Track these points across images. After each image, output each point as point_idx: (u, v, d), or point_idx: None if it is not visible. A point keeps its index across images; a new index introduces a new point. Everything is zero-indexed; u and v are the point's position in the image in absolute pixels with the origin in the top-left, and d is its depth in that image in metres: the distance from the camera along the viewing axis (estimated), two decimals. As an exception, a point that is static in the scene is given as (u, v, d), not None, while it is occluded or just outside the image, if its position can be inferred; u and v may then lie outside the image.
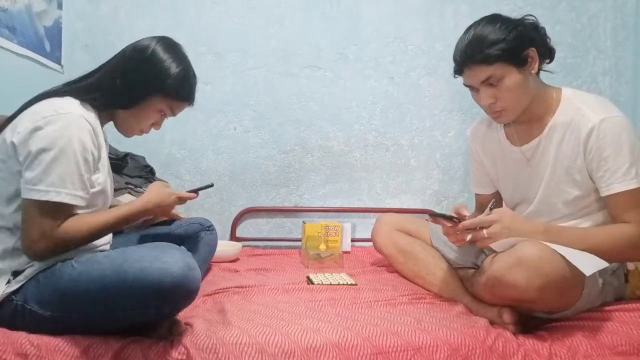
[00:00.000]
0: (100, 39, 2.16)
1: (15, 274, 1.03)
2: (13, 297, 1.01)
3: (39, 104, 1.07)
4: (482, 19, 1.26)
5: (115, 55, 1.20)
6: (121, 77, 1.15)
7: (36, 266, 1.04)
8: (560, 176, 1.27)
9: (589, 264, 1.06)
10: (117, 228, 1.16)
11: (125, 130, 1.24)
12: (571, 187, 1.27)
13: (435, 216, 1.26)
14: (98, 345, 0.98)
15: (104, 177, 1.13)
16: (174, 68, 1.18)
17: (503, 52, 1.19)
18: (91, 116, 1.09)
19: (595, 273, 1.16)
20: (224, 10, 2.21)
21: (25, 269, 1.03)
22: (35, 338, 0.98)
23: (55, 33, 1.98)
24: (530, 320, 1.22)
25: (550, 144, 1.29)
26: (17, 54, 1.70)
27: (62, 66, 2.03)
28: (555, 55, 2.29)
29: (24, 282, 1.02)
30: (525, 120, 1.32)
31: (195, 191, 1.38)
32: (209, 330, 1.05)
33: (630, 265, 1.32)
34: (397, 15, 2.25)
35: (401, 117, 2.28)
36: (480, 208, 1.57)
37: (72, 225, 1.04)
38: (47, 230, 1.01)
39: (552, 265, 1.06)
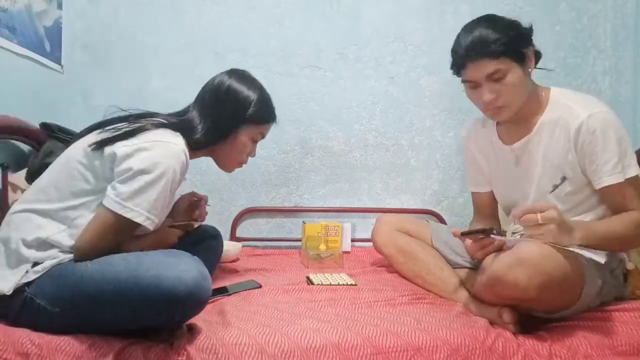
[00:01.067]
0: (100, 39, 2.16)
1: (35, 264, 1.04)
2: (26, 288, 1.02)
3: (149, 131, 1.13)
4: (480, 19, 1.32)
5: (197, 98, 1.30)
6: (210, 115, 1.25)
7: (55, 261, 1.04)
8: (551, 173, 1.30)
9: (597, 255, 1.08)
10: None
11: (226, 166, 1.37)
12: (570, 186, 1.28)
13: (466, 234, 1.23)
14: (99, 345, 0.99)
15: (167, 210, 1.19)
16: (251, 96, 1.29)
17: (508, 47, 1.22)
18: (187, 151, 1.16)
19: (594, 273, 1.16)
20: (224, 10, 2.21)
21: (45, 261, 1.04)
22: (36, 337, 0.98)
23: (55, 33, 1.98)
24: (530, 320, 1.22)
25: (539, 142, 1.31)
26: (17, 54, 1.70)
27: (62, 66, 2.03)
28: (555, 55, 2.31)
29: (40, 274, 1.02)
30: (516, 119, 1.34)
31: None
32: (208, 331, 1.05)
33: (630, 265, 1.32)
34: (397, 15, 2.25)
35: (401, 117, 2.28)
36: (477, 208, 1.58)
37: (125, 247, 1.09)
38: (112, 243, 1.06)
39: (552, 264, 1.06)
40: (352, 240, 2.22)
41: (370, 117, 2.28)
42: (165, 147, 1.09)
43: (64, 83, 2.04)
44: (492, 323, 1.18)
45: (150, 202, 1.06)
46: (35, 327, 1.00)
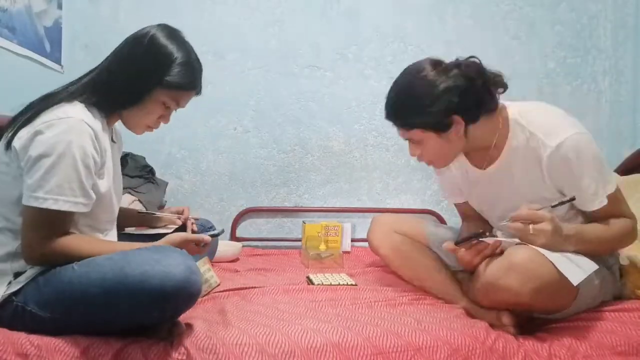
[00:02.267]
0: (100, 39, 2.16)
1: (17, 275, 1.03)
2: (13, 298, 1.01)
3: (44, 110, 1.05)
4: (402, 78, 1.26)
5: (113, 51, 1.16)
6: (120, 72, 1.11)
7: (37, 268, 1.03)
8: (527, 196, 1.24)
9: (579, 270, 1.07)
10: None
11: (133, 127, 1.21)
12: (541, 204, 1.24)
13: (460, 244, 1.22)
14: (98, 345, 0.98)
15: (108, 183, 1.12)
16: (175, 54, 1.12)
17: (422, 123, 1.20)
18: (93, 119, 1.07)
19: (591, 274, 1.16)
20: (224, 10, 2.21)
21: (27, 270, 1.03)
22: (35, 338, 0.97)
23: (55, 33, 1.98)
24: (530, 321, 1.22)
25: (512, 166, 1.26)
26: (17, 54, 1.69)
27: (62, 66, 2.03)
28: (555, 55, 2.30)
29: (24, 283, 1.02)
30: (481, 148, 1.29)
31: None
32: (209, 331, 1.05)
33: (625, 260, 1.33)
34: (397, 15, 2.25)
35: (401, 117, 2.28)
36: (463, 215, 1.55)
37: (72, 243, 1.03)
38: (44, 239, 1.00)
39: (544, 268, 1.06)
40: (352, 240, 2.22)
41: (370, 117, 2.28)
42: (59, 124, 1.00)
43: (64, 83, 2.03)
44: (491, 326, 1.17)
45: (61, 185, 0.98)
46: (30, 333, 0.99)
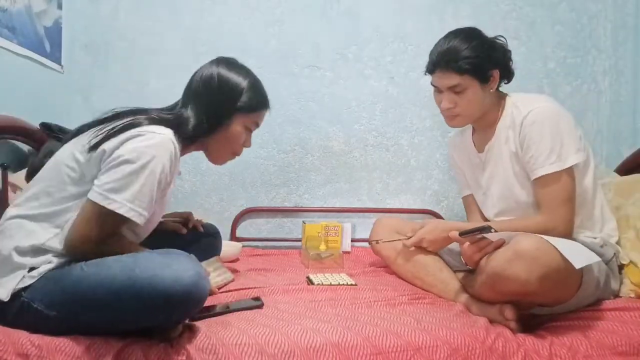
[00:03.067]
0: (100, 39, 2.16)
1: (31, 270, 1.03)
2: (22, 293, 1.01)
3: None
4: (461, 31, 1.39)
5: (186, 90, 1.26)
6: (201, 107, 1.21)
7: (50, 265, 1.03)
8: (511, 178, 1.39)
9: (581, 257, 1.10)
10: None
11: (218, 158, 1.33)
12: (519, 189, 1.37)
13: (464, 234, 1.25)
14: (99, 345, 0.98)
15: (160, 206, 1.16)
16: (242, 83, 1.25)
17: (473, 67, 1.34)
18: (177, 142, 1.12)
19: (592, 266, 1.18)
20: (224, 10, 2.21)
21: (41, 266, 1.03)
22: (36, 338, 0.97)
23: (55, 33, 1.98)
24: (531, 319, 1.22)
25: (500, 146, 1.41)
26: (17, 54, 1.70)
27: (62, 66, 2.03)
28: (555, 55, 2.30)
29: (36, 278, 1.02)
30: (483, 127, 1.47)
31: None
32: (208, 331, 1.05)
33: (625, 259, 1.34)
34: (397, 15, 2.25)
35: (401, 117, 2.28)
36: (470, 212, 1.64)
37: (120, 244, 1.08)
38: (100, 238, 1.03)
39: (549, 255, 1.08)
40: (352, 240, 2.22)
41: (370, 117, 2.28)
42: (151, 138, 1.06)
43: (64, 83, 2.04)
44: (493, 321, 1.18)
45: (134, 194, 1.02)
46: (34, 331, 1.00)
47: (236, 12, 2.21)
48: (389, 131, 2.29)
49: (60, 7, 2.02)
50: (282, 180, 2.27)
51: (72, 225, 1.04)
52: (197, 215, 1.60)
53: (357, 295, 1.37)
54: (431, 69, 1.40)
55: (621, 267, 1.35)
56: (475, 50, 1.34)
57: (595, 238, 1.33)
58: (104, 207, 1.02)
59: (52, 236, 1.05)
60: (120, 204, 1.02)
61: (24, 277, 1.02)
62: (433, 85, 1.44)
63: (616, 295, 1.31)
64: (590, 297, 1.23)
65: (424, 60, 2.24)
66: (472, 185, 1.58)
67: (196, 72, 1.27)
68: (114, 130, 1.08)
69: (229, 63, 1.28)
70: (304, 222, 2.08)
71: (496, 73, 1.37)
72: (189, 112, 1.21)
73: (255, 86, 1.28)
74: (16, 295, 1.01)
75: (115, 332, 1.02)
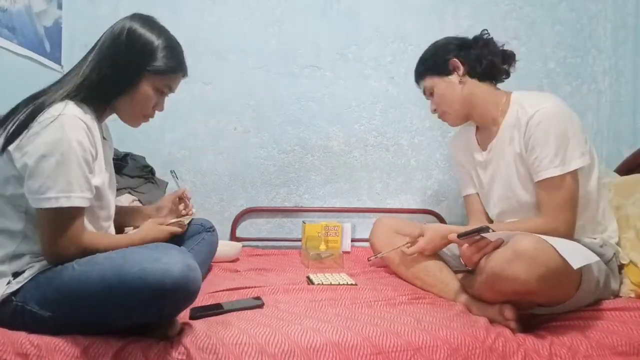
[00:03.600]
0: (100, 39, 2.16)
1: (15, 275, 1.03)
2: (13, 298, 1.01)
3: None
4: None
5: (93, 47, 1.16)
6: (107, 66, 1.11)
7: (36, 267, 1.04)
8: (513, 177, 1.37)
9: (579, 257, 1.09)
10: None
11: (130, 120, 1.22)
12: (522, 190, 1.36)
13: (463, 236, 1.25)
14: (98, 345, 0.98)
15: (101, 178, 1.12)
16: (155, 41, 1.15)
17: (426, 66, 1.48)
18: (85, 115, 1.07)
19: (592, 266, 1.18)
20: (224, 10, 2.21)
21: (25, 270, 1.03)
22: (35, 338, 0.98)
23: (55, 33, 1.98)
24: (531, 319, 1.22)
25: (503, 144, 1.39)
26: (17, 54, 1.70)
27: (62, 66, 2.03)
28: (555, 55, 2.30)
29: (23, 283, 1.02)
30: (484, 125, 1.47)
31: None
32: (208, 330, 1.05)
33: (625, 259, 1.34)
34: (397, 15, 2.25)
35: (401, 117, 2.28)
36: (471, 212, 1.63)
37: (95, 238, 1.08)
38: (76, 235, 1.03)
39: (548, 255, 1.08)
40: (352, 240, 2.22)
41: (370, 117, 2.28)
42: (54, 123, 1.00)
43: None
44: (493, 321, 1.18)
45: (70, 182, 1.00)
46: (31, 332, 1.00)
47: (236, 12, 2.21)
48: (389, 131, 2.29)
49: (60, 7, 2.02)
50: (282, 180, 2.27)
51: (40, 240, 1.03)
52: (198, 215, 1.60)
53: (357, 295, 1.37)
54: (417, 85, 1.57)
55: (621, 267, 1.35)
56: (428, 52, 1.49)
57: (595, 238, 1.33)
58: (49, 209, 0.99)
59: (19, 242, 1.04)
60: (62, 197, 0.99)
61: (9, 282, 1.02)
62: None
63: (616, 295, 1.31)
64: (589, 296, 1.23)
65: (424, 60, 2.27)
66: (477, 183, 1.57)
67: (109, 28, 1.17)
68: (15, 126, 1.02)
69: (145, 19, 1.18)
70: (304, 222, 2.08)
71: (455, 62, 1.41)
72: (92, 72, 1.11)
73: (170, 47, 1.18)
74: (7, 300, 1.01)
75: (111, 328, 1.02)
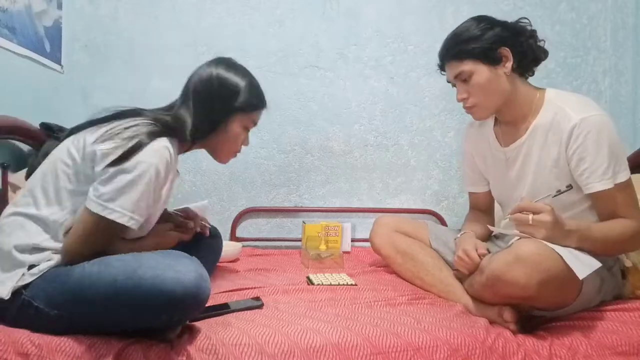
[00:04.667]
0: (100, 39, 2.16)
1: (30, 267, 1.03)
2: (23, 291, 1.01)
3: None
4: (470, 19, 1.35)
5: (184, 90, 1.26)
6: (200, 110, 1.21)
7: (50, 263, 1.04)
8: (544, 177, 1.29)
9: (584, 266, 1.08)
10: None
11: (220, 157, 1.34)
12: (556, 186, 1.29)
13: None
14: (99, 345, 0.99)
15: (155, 208, 1.15)
16: (240, 83, 1.25)
17: (474, 49, 1.27)
18: (172, 148, 1.12)
19: (593, 272, 1.17)
20: (224, 10, 2.21)
21: (41, 263, 1.04)
22: (36, 337, 0.98)
23: (55, 33, 1.98)
24: (530, 320, 1.22)
25: (532, 145, 1.31)
26: (17, 54, 1.69)
27: (62, 66, 2.03)
28: (555, 55, 2.30)
29: (37, 276, 1.02)
30: (510, 121, 1.36)
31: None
32: (208, 331, 1.05)
33: (628, 262, 1.33)
34: (397, 15, 2.25)
35: (401, 117, 2.28)
36: (473, 205, 1.60)
37: (116, 248, 1.08)
38: (99, 246, 1.05)
39: (550, 261, 1.07)
40: (352, 240, 2.22)
41: (370, 117, 2.28)
42: (142, 146, 1.06)
43: (64, 83, 2.04)
44: (492, 322, 1.18)
45: (133, 202, 1.04)
46: (34, 329, 1.00)
47: (236, 12, 2.21)
48: (389, 131, 2.29)
49: (60, 7, 2.02)
50: (282, 180, 2.27)
51: (70, 234, 1.05)
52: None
53: (357, 295, 1.37)
54: (440, 64, 1.37)
55: (624, 271, 1.33)
56: (474, 32, 1.28)
57: None
58: (103, 217, 1.02)
59: (49, 236, 1.06)
60: (121, 214, 1.03)
61: (24, 274, 1.02)
62: (449, 82, 1.37)
63: (617, 297, 1.31)
64: (590, 302, 1.23)
65: (424, 60, 2.28)
66: (492, 180, 1.50)
67: (194, 73, 1.27)
68: (106, 131, 1.08)
69: (228, 64, 1.28)
70: (304, 222, 2.08)
71: (506, 51, 1.27)
72: (186, 113, 1.21)
73: (253, 85, 1.29)
74: (17, 293, 1.01)
75: (117, 332, 1.02)
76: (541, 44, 1.33)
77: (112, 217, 1.02)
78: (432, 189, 2.31)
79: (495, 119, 1.44)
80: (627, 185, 1.21)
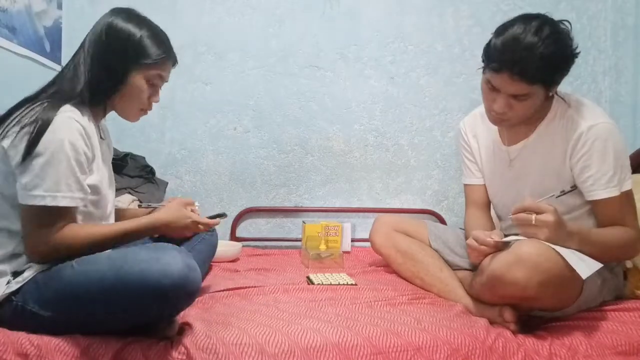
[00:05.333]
0: (100, 39, 2.16)
1: (15, 274, 1.03)
2: (13, 297, 1.01)
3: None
4: (540, 28, 1.14)
5: (79, 48, 1.17)
6: (95, 67, 1.12)
7: (35, 267, 1.03)
8: (547, 181, 1.29)
9: (585, 266, 1.07)
10: (123, 242, 1.13)
11: (127, 115, 1.22)
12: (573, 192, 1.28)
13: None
14: (98, 345, 0.98)
15: (98, 177, 1.12)
16: (138, 33, 1.13)
17: (546, 77, 1.15)
18: (81, 116, 1.07)
19: (594, 273, 1.17)
20: (224, 10, 2.21)
21: (25, 269, 1.03)
22: (35, 338, 0.97)
23: (55, 33, 1.98)
24: (530, 320, 1.22)
25: (536, 148, 1.30)
26: (17, 54, 1.70)
27: (62, 66, 2.02)
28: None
29: (23, 282, 1.02)
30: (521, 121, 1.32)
31: (214, 217, 1.36)
32: (209, 331, 1.05)
33: (629, 264, 1.33)
34: (397, 15, 2.25)
35: (401, 117, 2.28)
36: (471, 201, 1.54)
37: (70, 232, 1.04)
38: (46, 236, 1.01)
39: (550, 262, 1.07)
40: (352, 240, 2.22)
41: (370, 117, 2.28)
42: (47, 125, 1.01)
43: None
44: (492, 322, 1.18)
45: (58, 182, 1.00)
46: (32, 332, 1.00)
47: (236, 12, 2.21)
48: (389, 131, 2.29)
49: (60, 7, 2.02)
50: (282, 180, 2.27)
51: (23, 237, 1.03)
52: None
53: (357, 295, 1.37)
54: (496, 67, 1.16)
55: (625, 272, 1.33)
56: (554, 61, 1.14)
57: None
58: (33, 206, 0.99)
59: (18, 241, 1.04)
60: (47, 196, 0.99)
61: (9, 282, 1.02)
62: (488, 81, 1.21)
63: (618, 297, 1.31)
64: (591, 302, 1.23)
65: (424, 60, 2.28)
66: (488, 176, 1.47)
67: (91, 29, 1.18)
68: (8, 126, 1.03)
69: (128, 13, 1.16)
70: (304, 222, 2.08)
71: (561, 79, 1.21)
72: (80, 71, 1.12)
73: (154, 36, 1.16)
74: (7, 300, 1.01)
75: (110, 329, 1.02)
76: None
77: (43, 203, 0.99)
78: (432, 189, 2.31)
79: None
80: (630, 194, 1.22)
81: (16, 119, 1.03)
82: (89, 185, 1.09)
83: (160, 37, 1.18)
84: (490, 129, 1.43)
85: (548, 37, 1.13)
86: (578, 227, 1.17)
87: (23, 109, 1.05)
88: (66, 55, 2.05)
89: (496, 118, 1.26)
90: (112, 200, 1.24)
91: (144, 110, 1.23)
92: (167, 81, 1.24)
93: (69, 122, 1.03)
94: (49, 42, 1.92)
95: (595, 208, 1.25)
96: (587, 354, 1.06)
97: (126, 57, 1.13)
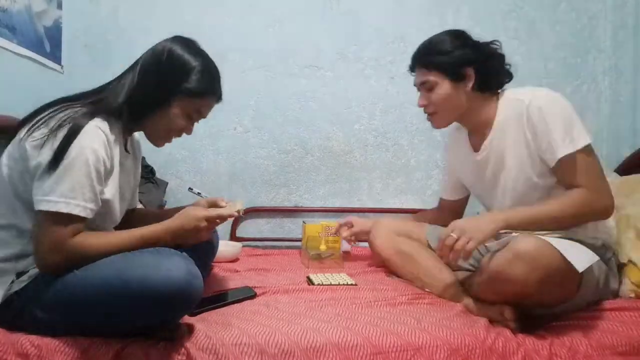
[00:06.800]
0: (100, 39, 2.16)
1: (19, 275, 1.03)
2: (15, 298, 1.01)
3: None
4: (447, 31, 1.42)
5: (133, 64, 1.18)
6: (142, 84, 1.13)
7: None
8: (524, 169, 1.33)
9: (582, 258, 1.09)
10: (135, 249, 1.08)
11: (155, 139, 1.22)
12: (532, 174, 1.32)
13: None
14: (98, 345, 0.99)
15: (112, 191, 1.10)
16: (192, 63, 1.14)
17: (442, 63, 1.36)
18: (107, 127, 1.06)
19: (592, 266, 1.18)
20: (224, 10, 2.21)
21: (29, 270, 1.03)
22: (35, 338, 0.98)
23: (55, 33, 1.98)
24: (531, 320, 1.22)
25: (501, 141, 1.37)
26: (17, 54, 1.70)
27: (62, 66, 2.03)
28: (555, 55, 2.30)
29: (26, 283, 1.02)
30: (474, 129, 1.46)
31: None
32: (209, 331, 1.05)
33: (623, 258, 1.34)
34: (397, 15, 2.25)
35: (401, 117, 2.28)
36: (442, 208, 1.71)
37: (85, 241, 1.02)
38: (58, 242, 0.99)
39: (549, 257, 1.08)
40: (352, 240, 2.21)
41: (370, 117, 2.28)
42: (72, 131, 1.00)
43: (64, 83, 2.04)
44: (493, 321, 1.18)
45: (74, 189, 0.98)
46: (31, 333, 1.00)
47: (236, 12, 2.21)
48: (389, 131, 2.29)
49: (60, 7, 2.02)
50: (282, 180, 2.27)
51: (34, 245, 1.01)
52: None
53: (357, 295, 1.37)
54: (410, 66, 1.47)
55: (620, 266, 1.35)
56: (447, 47, 1.36)
57: (595, 238, 1.33)
58: (48, 212, 0.97)
59: (27, 241, 1.03)
60: (61, 202, 0.97)
61: (12, 282, 1.02)
62: (415, 86, 1.47)
63: (616, 295, 1.32)
64: (590, 297, 1.23)
65: (424, 60, 2.27)
66: (471, 184, 1.57)
67: (150, 48, 1.19)
68: (35, 124, 1.03)
69: (187, 43, 1.18)
70: (304, 222, 2.07)
71: (471, 71, 1.35)
72: (124, 87, 1.12)
73: (207, 71, 1.17)
74: (9, 300, 1.01)
75: (111, 333, 1.02)
76: (507, 67, 1.41)
77: (56, 209, 0.97)
78: (432, 189, 2.31)
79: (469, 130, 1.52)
80: (587, 152, 1.25)
81: (44, 120, 1.03)
82: (103, 198, 1.07)
83: (211, 73, 1.19)
84: (463, 138, 1.53)
85: (443, 34, 1.41)
86: (505, 210, 1.30)
87: (54, 109, 1.05)
88: (66, 55, 2.05)
89: (427, 116, 1.46)
90: (122, 213, 1.22)
91: (170, 139, 1.22)
92: (204, 117, 1.23)
93: (95, 130, 1.02)
94: (49, 42, 1.92)
95: (557, 174, 1.28)
96: (587, 354, 1.06)
97: (174, 82, 1.13)
